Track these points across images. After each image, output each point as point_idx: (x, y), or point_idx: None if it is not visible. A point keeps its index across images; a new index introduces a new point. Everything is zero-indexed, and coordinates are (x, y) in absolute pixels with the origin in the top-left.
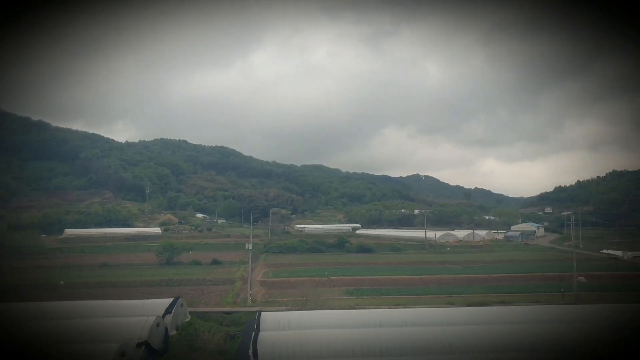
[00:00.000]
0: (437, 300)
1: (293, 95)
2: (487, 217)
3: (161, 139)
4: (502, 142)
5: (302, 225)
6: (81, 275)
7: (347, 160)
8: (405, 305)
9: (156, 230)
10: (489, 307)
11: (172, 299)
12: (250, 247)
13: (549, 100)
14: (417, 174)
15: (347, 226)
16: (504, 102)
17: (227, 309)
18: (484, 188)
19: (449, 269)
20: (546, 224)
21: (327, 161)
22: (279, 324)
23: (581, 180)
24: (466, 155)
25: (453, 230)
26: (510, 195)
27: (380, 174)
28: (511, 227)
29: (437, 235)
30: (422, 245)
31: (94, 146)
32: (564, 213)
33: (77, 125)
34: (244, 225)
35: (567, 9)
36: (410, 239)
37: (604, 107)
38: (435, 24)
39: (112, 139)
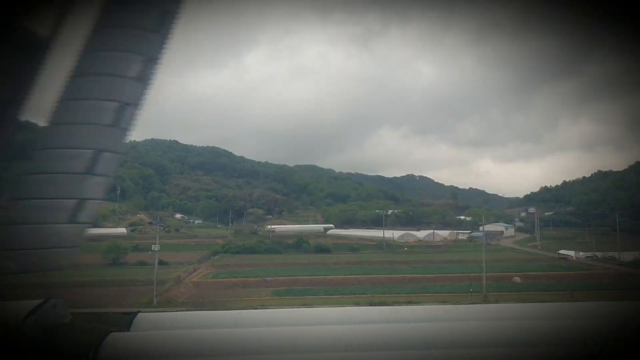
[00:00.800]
0: (345, 300)
1: (286, 96)
2: (461, 218)
3: (152, 139)
4: (497, 142)
5: (274, 226)
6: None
7: (342, 160)
8: (310, 305)
9: (121, 230)
10: (380, 307)
11: (41, 301)
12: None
13: (541, 100)
14: (412, 174)
15: (320, 226)
16: (497, 102)
17: (127, 309)
18: (478, 188)
19: (392, 269)
20: (521, 224)
21: (322, 162)
22: (154, 324)
23: (567, 180)
24: (461, 155)
25: (419, 230)
26: (505, 196)
27: (374, 174)
28: (480, 228)
29: (397, 236)
30: (382, 245)
31: None
32: (546, 213)
33: None
34: (219, 225)
35: (557, 10)
36: (372, 239)
37: (597, 108)
38: (425, 24)
39: None
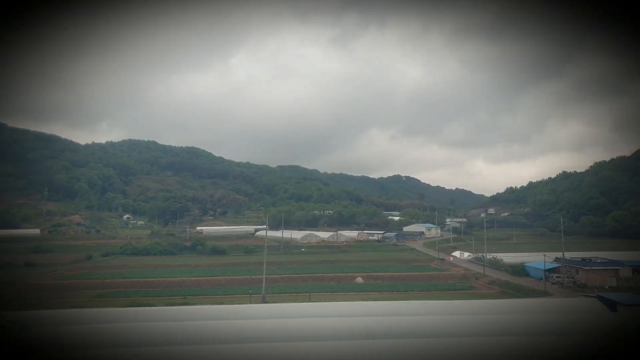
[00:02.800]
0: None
1: (270, 97)
2: (393, 218)
3: (129, 139)
4: (485, 143)
5: (202, 228)
6: None
7: (331, 161)
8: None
9: (35, 231)
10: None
11: None
12: None
13: (527, 102)
14: (398, 175)
15: (251, 227)
16: (483, 104)
17: None
18: (465, 189)
19: (251, 270)
20: (456, 224)
21: (309, 163)
22: None
23: (533, 181)
24: (450, 156)
25: (343, 230)
26: (486, 195)
27: (360, 175)
28: (404, 228)
29: (300, 236)
30: (286, 245)
31: (46, 147)
32: (503, 214)
33: (57, 127)
34: (155, 226)
35: (537, 13)
36: (277, 240)
37: (583, 109)
38: (404, 26)
39: (72, 141)
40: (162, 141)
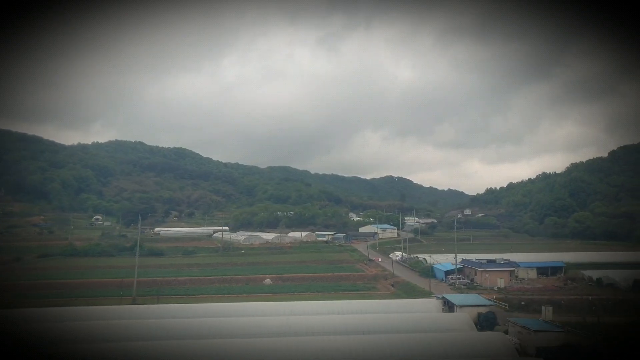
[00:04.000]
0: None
1: (261, 99)
2: (355, 218)
3: (116, 140)
4: (479, 144)
5: (160, 229)
6: None
7: (326, 162)
8: None
9: None
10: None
11: None
12: None
13: (519, 103)
14: (391, 176)
15: (209, 229)
16: (474, 105)
17: None
18: (458, 190)
19: (162, 272)
20: (419, 225)
21: (302, 164)
22: None
23: (513, 182)
24: (448, 157)
25: (298, 231)
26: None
27: (351, 175)
28: (360, 229)
29: (243, 238)
30: (227, 247)
31: (26, 148)
32: (477, 215)
33: (49, 128)
34: (117, 227)
35: (526, 15)
36: (220, 241)
37: (576, 110)
38: (393, 28)
39: (54, 142)
40: (152, 142)
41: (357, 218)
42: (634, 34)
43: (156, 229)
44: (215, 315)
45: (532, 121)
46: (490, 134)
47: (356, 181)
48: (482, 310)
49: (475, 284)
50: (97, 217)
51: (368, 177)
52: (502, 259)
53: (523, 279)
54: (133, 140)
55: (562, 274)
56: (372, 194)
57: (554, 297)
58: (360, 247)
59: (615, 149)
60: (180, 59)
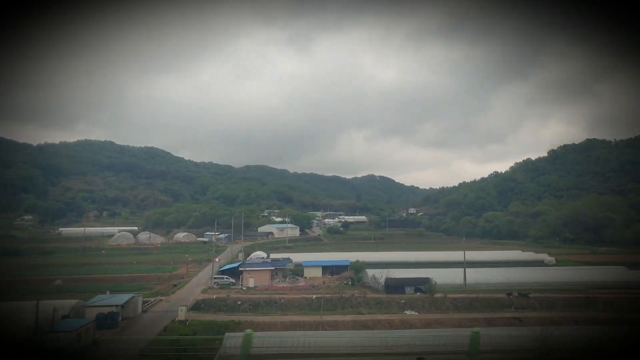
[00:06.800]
0: None
1: (236, 99)
2: (277, 219)
3: (85, 140)
4: (461, 143)
5: (63, 229)
6: None
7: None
8: None
9: None
10: None
11: None
12: None
13: (500, 103)
14: (372, 175)
15: (115, 229)
16: (456, 105)
17: None
18: (436, 187)
19: None
20: (330, 224)
21: (283, 163)
22: None
23: (465, 182)
24: (437, 157)
25: (182, 232)
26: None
27: (330, 174)
28: (258, 229)
29: (112, 238)
30: (86, 248)
31: None
32: (419, 214)
33: (32, 127)
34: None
35: (501, 16)
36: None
37: (557, 110)
38: (364, 29)
39: (13, 140)
40: (123, 142)
41: (279, 219)
42: (607, 36)
43: (60, 229)
44: None
45: (517, 120)
46: (477, 134)
47: (336, 180)
48: (107, 310)
49: (237, 283)
50: (24, 217)
51: (350, 177)
52: (283, 258)
53: (302, 278)
54: (102, 140)
55: (345, 273)
56: (348, 193)
57: (274, 297)
58: (238, 247)
59: (555, 148)
60: (160, 59)
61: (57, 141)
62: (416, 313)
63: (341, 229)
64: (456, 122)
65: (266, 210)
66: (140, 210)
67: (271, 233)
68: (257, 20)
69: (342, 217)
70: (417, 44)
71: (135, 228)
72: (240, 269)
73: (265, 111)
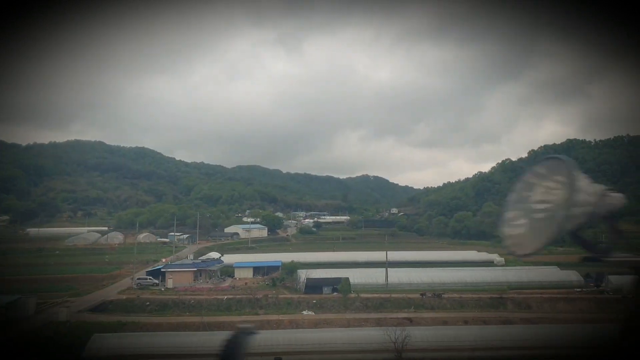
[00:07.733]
0: None
1: (229, 99)
2: (249, 219)
3: (75, 140)
4: (457, 144)
5: (32, 229)
6: None
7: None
8: None
9: None
10: None
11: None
12: None
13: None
14: (366, 175)
15: (84, 229)
16: (449, 106)
17: None
18: (431, 187)
19: None
20: (303, 223)
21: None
22: None
23: (451, 181)
24: (432, 157)
25: (145, 232)
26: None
27: (324, 175)
28: (225, 229)
29: (68, 238)
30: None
31: None
32: (400, 214)
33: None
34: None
35: (492, 16)
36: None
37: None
38: (355, 29)
39: (4, 141)
40: (115, 142)
41: (252, 219)
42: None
43: (27, 229)
44: None
45: (509, 120)
46: (469, 134)
47: (329, 181)
48: None
49: (161, 284)
50: (5, 217)
51: (344, 177)
52: (210, 259)
53: (232, 279)
54: (93, 140)
55: (276, 273)
56: (340, 193)
57: (184, 298)
58: (195, 248)
59: (535, 148)
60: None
61: (47, 142)
62: (312, 313)
63: (313, 229)
64: (450, 122)
65: (247, 211)
66: (120, 210)
67: (236, 234)
68: (248, 21)
69: (323, 217)
70: (408, 45)
71: (105, 228)
72: (162, 269)
73: (258, 111)
